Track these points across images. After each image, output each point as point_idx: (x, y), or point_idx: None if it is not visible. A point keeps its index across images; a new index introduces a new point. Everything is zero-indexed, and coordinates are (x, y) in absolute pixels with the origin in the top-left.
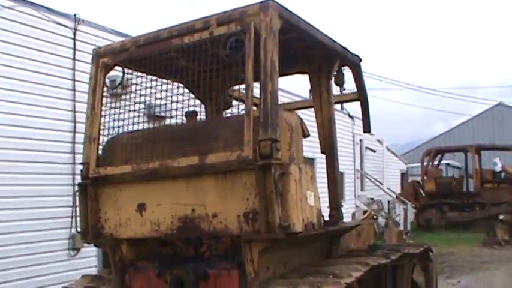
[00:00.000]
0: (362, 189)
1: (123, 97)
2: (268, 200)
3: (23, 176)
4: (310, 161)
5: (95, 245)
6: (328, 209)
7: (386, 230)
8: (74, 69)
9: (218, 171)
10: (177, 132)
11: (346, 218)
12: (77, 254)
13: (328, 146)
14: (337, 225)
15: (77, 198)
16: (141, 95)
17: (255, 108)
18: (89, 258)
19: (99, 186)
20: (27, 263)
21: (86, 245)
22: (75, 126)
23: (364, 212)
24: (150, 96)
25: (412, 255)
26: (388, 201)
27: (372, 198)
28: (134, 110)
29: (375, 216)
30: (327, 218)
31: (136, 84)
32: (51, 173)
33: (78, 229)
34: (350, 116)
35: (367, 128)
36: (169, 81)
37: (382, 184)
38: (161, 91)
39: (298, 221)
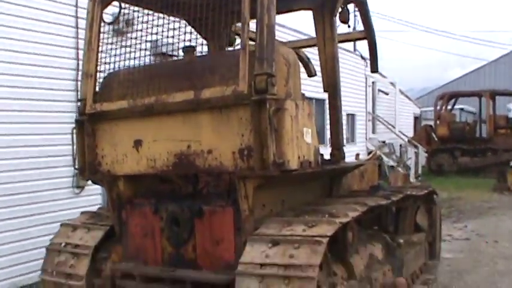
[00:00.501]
0: (374, 132)
1: (128, 35)
2: (262, 136)
3: (24, 114)
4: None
5: (93, 182)
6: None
7: (392, 172)
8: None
9: (214, 107)
10: (174, 67)
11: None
12: (81, 192)
13: (331, 85)
14: (336, 165)
15: (75, 134)
16: (144, 32)
17: (252, 43)
18: (94, 196)
19: (96, 122)
20: (30, 200)
21: (89, 183)
22: (77, 64)
23: (369, 153)
24: (157, 34)
25: (415, 198)
26: (400, 145)
27: (384, 142)
28: (135, 46)
29: (379, 157)
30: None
31: (139, 20)
32: (53, 111)
33: (76, 166)
34: (362, 58)
35: (374, 68)
36: (172, 18)
37: (394, 127)
38: (168, 29)
39: (294, 159)
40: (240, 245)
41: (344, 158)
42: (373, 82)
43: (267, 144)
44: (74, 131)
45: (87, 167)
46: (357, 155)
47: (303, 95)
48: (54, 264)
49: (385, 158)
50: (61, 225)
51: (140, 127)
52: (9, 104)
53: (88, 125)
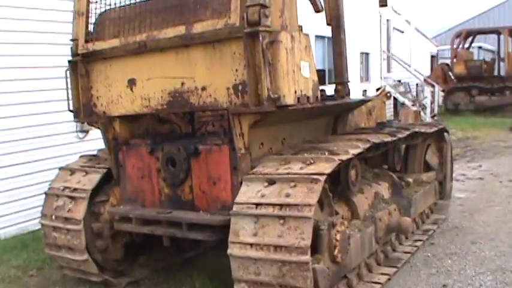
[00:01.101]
0: (388, 71)
1: None
2: (256, 71)
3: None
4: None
5: (89, 124)
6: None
7: (402, 108)
8: None
9: (206, 42)
10: (166, 2)
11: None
12: (86, 136)
13: (334, 18)
14: (339, 101)
15: (68, 76)
16: None
17: None
18: (98, 140)
19: (90, 62)
20: (35, 146)
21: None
22: None
23: (377, 89)
24: None
25: (424, 135)
26: (416, 84)
27: (399, 81)
28: None
29: (388, 94)
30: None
31: None
32: (54, 55)
33: (71, 108)
34: None
35: (383, 1)
36: None
37: (409, 66)
38: None
39: (290, 93)
40: (237, 185)
41: (349, 93)
42: (387, 20)
43: (261, 79)
44: (68, 72)
45: (82, 109)
46: (364, 91)
47: (301, 27)
48: (53, 209)
49: (399, 97)
50: (59, 169)
51: (133, 66)
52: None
53: (81, 65)
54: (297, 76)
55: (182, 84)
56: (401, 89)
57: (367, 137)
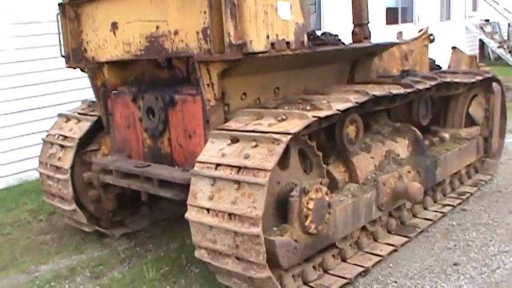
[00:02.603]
0: (474, 9)
1: None
2: (220, 13)
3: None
4: None
5: (81, 70)
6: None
7: (453, 53)
8: None
9: None
10: None
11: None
12: None
13: None
14: (340, 46)
15: (59, 20)
16: None
17: None
18: None
19: (79, 5)
20: (35, 93)
21: None
22: None
23: (420, 31)
24: None
25: (461, 86)
26: (509, 24)
27: (487, 20)
28: None
29: (432, 37)
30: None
31: None
32: None
33: (63, 53)
34: None
35: None
36: None
37: (497, 4)
38: None
39: (259, 39)
40: None
41: (369, 36)
42: None
43: (222, 22)
44: (59, 16)
45: (72, 55)
46: (399, 33)
47: None
48: (47, 156)
49: (484, 38)
50: (58, 115)
51: (116, 8)
52: None
53: (70, 8)
54: (270, 18)
55: (157, 28)
56: (489, 29)
57: (373, 88)
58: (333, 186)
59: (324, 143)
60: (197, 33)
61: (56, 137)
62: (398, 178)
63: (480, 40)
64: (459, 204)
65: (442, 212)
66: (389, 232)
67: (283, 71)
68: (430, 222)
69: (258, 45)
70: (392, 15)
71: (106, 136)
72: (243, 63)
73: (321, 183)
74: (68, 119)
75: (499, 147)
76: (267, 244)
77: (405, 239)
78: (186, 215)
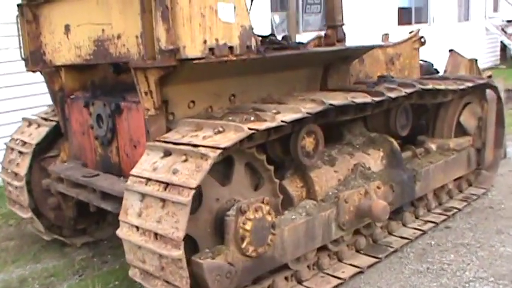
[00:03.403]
0: (495, 10)
1: None
2: (152, 16)
3: None
4: None
5: (41, 73)
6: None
7: (450, 56)
8: None
9: None
10: None
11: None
12: None
13: None
14: (298, 50)
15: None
16: None
17: None
18: None
19: (37, 6)
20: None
21: None
22: None
23: (410, 33)
24: None
25: (446, 93)
26: None
27: (510, 21)
28: None
29: (422, 40)
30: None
31: None
32: None
33: (23, 56)
34: None
35: None
36: None
37: None
38: None
39: (194, 44)
40: None
41: (344, 39)
42: None
43: (152, 26)
44: (18, 18)
45: (30, 58)
46: (385, 35)
47: None
48: (8, 162)
49: (505, 40)
50: (22, 119)
51: (68, 10)
52: None
53: (27, 10)
54: (209, 21)
55: (103, 31)
56: (510, 30)
57: (331, 97)
58: (288, 203)
59: (281, 155)
60: (136, 37)
61: (17, 142)
62: (364, 194)
63: (501, 42)
64: (443, 221)
65: (421, 230)
66: (358, 251)
67: (238, 77)
68: (406, 241)
69: (193, 50)
70: (405, 16)
71: (65, 142)
72: (183, 70)
73: (262, 202)
74: (29, 123)
75: (495, 159)
76: (196, 267)
77: (374, 260)
78: (117, 232)
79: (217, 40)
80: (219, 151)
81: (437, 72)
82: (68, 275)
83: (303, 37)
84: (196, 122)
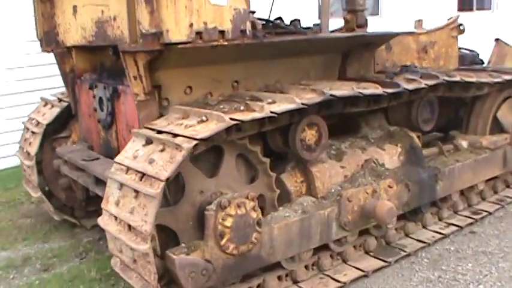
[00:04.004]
0: None
1: None
2: None
3: None
4: None
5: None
6: None
7: (496, 45)
8: None
9: None
10: None
11: None
12: None
13: None
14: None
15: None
16: None
17: None
18: None
19: None
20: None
21: None
22: None
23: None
24: None
25: (485, 86)
26: None
27: None
28: None
29: (461, 27)
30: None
31: None
32: None
33: (38, 36)
34: None
35: None
36: None
37: None
38: None
39: (179, 27)
40: None
41: (365, 25)
42: None
43: (134, 8)
44: None
45: (44, 38)
46: (418, 21)
47: None
48: (23, 141)
49: None
50: (40, 99)
51: None
52: None
53: None
54: (196, 3)
55: (102, 12)
56: None
57: (337, 87)
58: (285, 198)
59: (282, 147)
60: (129, 19)
61: (32, 121)
62: (371, 194)
63: None
64: (469, 225)
65: (442, 234)
66: (367, 253)
67: (242, 62)
68: (422, 244)
69: (177, 34)
70: (466, 1)
71: (76, 123)
72: (173, 55)
73: (246, 197)
74: (46, 103)
75: None
76: (169, 262)
77: (382, 264)
78: (98, 220)
79: (205, 23)
80: (194, 142)
81: (483, 62)
82: (71, 257)
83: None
84: (184, 109)
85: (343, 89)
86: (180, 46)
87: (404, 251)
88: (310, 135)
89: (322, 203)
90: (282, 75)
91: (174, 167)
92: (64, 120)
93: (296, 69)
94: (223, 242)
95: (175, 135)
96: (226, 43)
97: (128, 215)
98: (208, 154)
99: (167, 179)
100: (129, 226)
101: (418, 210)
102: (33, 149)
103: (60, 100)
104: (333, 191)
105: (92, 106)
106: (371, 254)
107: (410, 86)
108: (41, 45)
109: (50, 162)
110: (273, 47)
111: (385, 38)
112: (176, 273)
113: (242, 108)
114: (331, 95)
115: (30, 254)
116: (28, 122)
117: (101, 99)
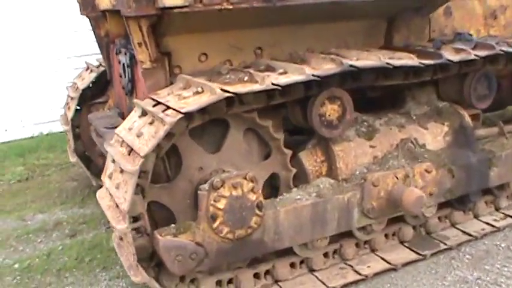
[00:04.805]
0: None
1: None
2: None
3: None
4: None
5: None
6: None
7: None
8: None
9: None
10: None
11: None
12: None
13: None
14: None
15: None
16: None
17: None
18: None
19: None
20: None
21: None
22: None
23: None
24: None
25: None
26: None
27: None
28: None
29: None
30: None
31: None
32: None
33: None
34: None
35: None
36: None
37: None
38: None
39: None
40: None
41: None
42: None
43: None
44: None
45: (82, 2)
46: None
47: None
48: (65, 105)
49: None
50: (85, 63)
51: None
52: None
53: None
54: None
55: None
56: None
57: (364, 56)
58: (302, 179)
59: (303, 122)
60: None
61: (73, 86)
62: (403, 178)
63: None
64: None
65: (494, 227)
66: (402, 243)
67: (266, 27)
68: (468, 237)
69: None
70: None
71: (112, 89)
72: (178, 19)
73: (244, 178)
74: (87, 68)
75: None
76: (155, 244)
77: (415, 257)
78: (97, 192)
79: None
80: (179, 116)
81: None
82: (99, 225)
83: None
84: (187, 79)
85: (370, 59)
86: (176, 10)
87: (445, 244)
88: (331, 110)
89: (342, 186)
90: (313, 43)
91: (154, 142)
92: (102, 86)
93: (331, 36)
94: (215, 225)
95: (168, 108)
96: (231, 7)
97: (114, 191)
98: (213, 127)
99: (145, 156)
100: (115, 202)
101: (466, 198)
102: (70, 114)
103: (100, 65)
104: (357, 173)
105: (119, 72)
106: (406, 244)
107: (456, 58)
108: (80, 9)
109: (88, 128)
110: (307, 10)
111: (436, 1)
112: (162, 255)
113: (246, 78)
114: (351, 66)
115: (63, 219)
116: (69, 87)
117: (124, 65)
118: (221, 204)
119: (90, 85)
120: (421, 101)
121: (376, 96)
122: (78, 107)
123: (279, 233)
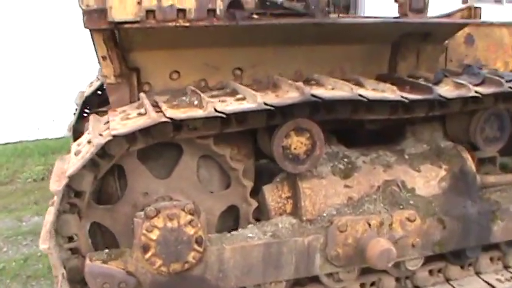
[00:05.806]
0: None
1: None
2: None
3: None
4: None
5: None
6: None
7: None
8: None
9: None
10: None
11: None
12: None
13: None
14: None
15: None
16: None
17: None
18: None
19: None
20: None
21: None
22: None
23: None
24: None
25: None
26: None
27: None
28: None
29: None
30: None
31: None
32: None
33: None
34: None
35: None
36: None
37: None
38: None
39: (124, 5)
40: None
41: (423, 10)
42: None
43: None
44: None
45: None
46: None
47: None
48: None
49: None
50: (98, 71)
51: None
52: None
53: None
54: None
55: None
56: None
57: (340, 87)
58: (263, 215)
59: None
60: None
61: (80, 93)
62: (376, 226)
63: None
64: None
65: (492, 286)
66: None
67: (246, 47)
68: None
69: (122, 13)
70: None
71: None
72: (138, 35)
73: (182, 209)
74: (97, 78)
75: None
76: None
77: None
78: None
79: (159, 1)
80: (108, 138)
81: None
82: None
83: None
84: (143, 97)
85: (339, 90)
86: (126, 26)
87: None
88: (297, 143)
89: (304, 228)
90: (303, 66)
91: (79, 164)
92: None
93: (323, 60)
94: (147, 255)
95: (108, 128)
96: (187, 24)
97: (50, 209)
98: (167, 152)
99: (68, 178)
100: None
101: (463, 254)
102: (73, 120)
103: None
104: (324, 215)
105: None
106: None
107: (452, 94)
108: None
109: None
110: (269, 30)
111: (445, 29)
112: (87, 281)
113: (196, 103)
114: (312, 95)
115: None
116: (78, 95)
117: None
118: (154, 235)
119: (99, 92)
120: (421, 138)
121: (376, 129)
122: (85, 114)
123: (224, 272)
